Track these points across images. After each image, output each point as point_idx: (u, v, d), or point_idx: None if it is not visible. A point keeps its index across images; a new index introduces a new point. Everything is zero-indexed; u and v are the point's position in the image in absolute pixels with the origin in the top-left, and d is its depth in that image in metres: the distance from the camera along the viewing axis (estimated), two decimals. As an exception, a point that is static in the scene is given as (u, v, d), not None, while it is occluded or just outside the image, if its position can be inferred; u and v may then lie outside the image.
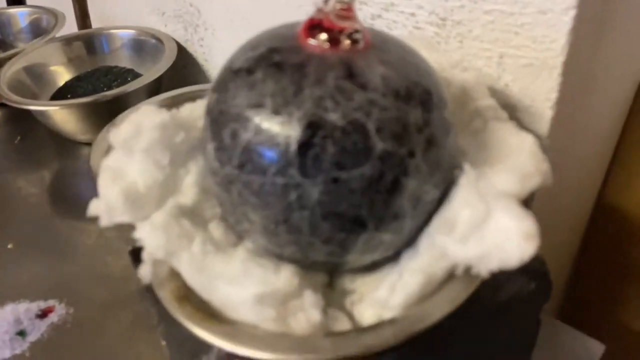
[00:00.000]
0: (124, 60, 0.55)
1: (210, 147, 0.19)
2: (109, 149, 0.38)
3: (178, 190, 0.24)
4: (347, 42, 0.19)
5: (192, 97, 0.41)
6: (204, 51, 0.51)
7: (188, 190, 0.24)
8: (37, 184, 0.47)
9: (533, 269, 0.23)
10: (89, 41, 0.54)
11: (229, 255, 0.22)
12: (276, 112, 0.17)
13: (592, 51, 0.28)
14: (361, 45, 0.19)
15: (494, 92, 0.27)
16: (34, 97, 0.51)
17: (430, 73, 0.20)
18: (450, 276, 0.19)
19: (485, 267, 0.18)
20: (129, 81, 0.53)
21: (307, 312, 0.19)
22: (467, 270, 0.19)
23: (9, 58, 0.51)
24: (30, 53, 0.52)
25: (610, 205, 0.43)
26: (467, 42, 0.30)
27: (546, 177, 0.19)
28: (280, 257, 0.21)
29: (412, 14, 0.31)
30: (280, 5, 0.40)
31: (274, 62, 0.18)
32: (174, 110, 0.25)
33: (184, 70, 0.53)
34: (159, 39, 0.52)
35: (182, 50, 0.52)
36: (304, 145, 0.17)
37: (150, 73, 0.47)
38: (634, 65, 0.36)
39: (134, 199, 0.22)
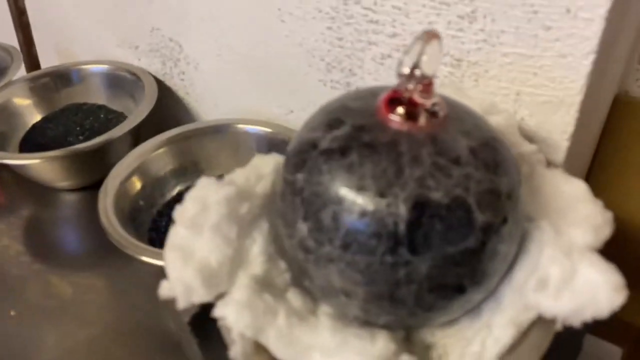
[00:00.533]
0: (95, 97, 0.52)
1: (303, 227, 0.20)
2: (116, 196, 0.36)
3: (246, 260, 0.23)
4: (426, 116, 0.20)
5: (188, 136, 0.40)
6: (185, 84, 0.49)
7: (256, 259, 0.23)
8: (18, 235, 0.45)
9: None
10: (58, 78, 0.51)
11: (313, 324, 0.22)
12: (381, 194, 0.18)
13: (600, 84, 0.31)
14: (441, 117, 0.20)
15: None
16: (5, 141, 0.48)
17: (497, 134, 0.21)
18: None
19: (579, 318, 0.19)
20: (102, 118, 0.51)
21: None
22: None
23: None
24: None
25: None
26: (482, 81, 0.31)
27: (611, 225, 0.21)
28: (369, 324, 0.21)
29: (426, 55, 0.32)
30: (271, 37, 0.40)
31: (364, 142, 0.19)
32: (229, 180, 0.24)
33: (161, 103, 0.51)
34: (134, 74, 0.50)
35: (159, 84, 0.50)
36: (413, 225, 0.18)
37: (135, 115, 0.45)
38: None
39: (209, 276, 0.22)
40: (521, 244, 0.21)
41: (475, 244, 0.18)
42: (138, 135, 0.45)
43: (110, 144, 0.44)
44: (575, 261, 0.19)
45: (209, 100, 0.49)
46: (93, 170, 0.46)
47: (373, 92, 0.21)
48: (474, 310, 0.22)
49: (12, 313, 0.37)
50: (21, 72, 0.54)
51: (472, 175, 0.18)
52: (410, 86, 0.19)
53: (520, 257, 0.21)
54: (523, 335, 0.21)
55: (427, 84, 0.19)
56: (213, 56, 0.45)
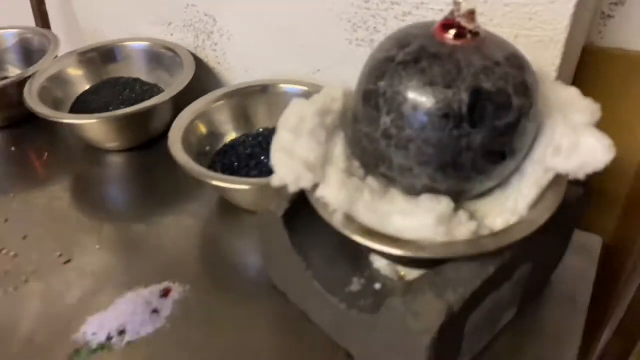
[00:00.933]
0: (135, 71, 0.58)
1: (387, 119, 0.27)
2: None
3: (332, 159, 0.31)
4: (470, 35, 0.27)
5: (240, 94, 0.47)
6: (217, 55, 0.56)
7: (339, 158, 0.31)
8: (71, 190, 0.50)
9: (581, 180, 0.33)
10: (104, 53, 0.57)
11: (390, 198, 0.30)
12: (448, 87, 0.26)
13: (577, 27, 0.39)
14: (482, 37, 0.28)
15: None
16: (59, 106, 0.53)
17: (518, 50, 0.29)
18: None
19: (583, 173, 0.27)
20: (138, 90, 0.57)
21: (466, 225, 0.28)
22: (555, 181, 0.29)
23: (30, 76, 0.53)
24: (49, 69, 0.54)
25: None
26: (488, 28, 0.39)
27: (600, 112, 0.29)
28: (432, 191, 0.29)
29: (441, 10, 0.40)
30: (302, 4, 0.47)
31: (432, 53, 0.27)
32: (312, 101, 0.32)
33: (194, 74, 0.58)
34: (170, 49, 0.56)
35: (197, 59, 0.56)
36: (472, 107, 0.26)
37: (177, 84, 0.51)
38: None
39: (311, 168, 0.29)
40: (538, 128, 0.29)
41: (513, 119, 0.26)
42: (177, 104, 0.51)
43: (155, 109, 0.50)
44: (579, 134, 0.28)
45: (240, 67, 0.55)
46: (138, 133, 0.53)
47: (426, 24, 0.29)
48: (505, 183, 0.30)
49: (63, 259, 0.43)
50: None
51: (509, 73, 0.26)
52: (459, 14, 0.27)
53: (538, 138, 0.29)
54: (543, 194, 0.29)
55: (470, 13, 0.27)
56: (246, 26, 0.52)
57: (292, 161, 0.29)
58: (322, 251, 0.34)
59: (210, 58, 0.57)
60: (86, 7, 0.62)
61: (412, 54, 0.27)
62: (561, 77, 0.40)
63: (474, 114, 0.26)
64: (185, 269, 0.41)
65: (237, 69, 0.56)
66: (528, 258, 0.31)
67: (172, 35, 0.57)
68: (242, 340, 0.36)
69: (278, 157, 0.30)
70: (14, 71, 0.62)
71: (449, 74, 0.26)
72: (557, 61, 0.38)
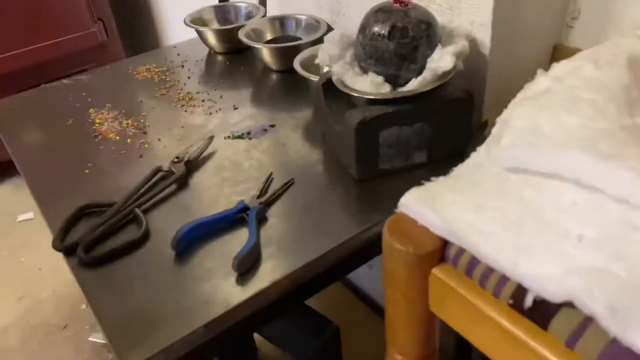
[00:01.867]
0: (295, 32, 1.02)
1: (361, 37, 0.64)
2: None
3: (344, 57, 0.68)
4: (403, 5, 0.63)
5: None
6: (341, 26, 0.96)
7: (347, 57, 0.68)
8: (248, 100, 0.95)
9: (465, 90, 0.65)
10: (281, 20, 1.02)
11: (363, 76, 0.66)
12: (383, 22, 0.62)
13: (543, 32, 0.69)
14: (412, 7, 0.63)
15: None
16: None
17: (431, 16, 0.63)
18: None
19: (441, 70, 0.61)
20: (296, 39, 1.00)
21: (385, 87, 0.63)
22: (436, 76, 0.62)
23: (239, 28, 0.99)
24: (252, 23, 1.00)
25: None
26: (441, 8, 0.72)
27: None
28: (377, 73, 0.64)
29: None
30: None
31: (384, 9, 0.63)
32: (341, 33, 0.70)
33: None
34: (317, 20, 0.98)
35: (328, 25, 0.98)
36: (390, 32, 0.61)
37: (314, 35, 0.93)
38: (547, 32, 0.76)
39: (332, 59, 0.68)
40: (432, 50, 0.63)
41: (410, 41, 0.61)
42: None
43: (299, 46, 0.92)
44: (445, 53, 0.61)
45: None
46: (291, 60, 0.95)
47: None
48: (414, 76, 0.64)
49: (235, 107, 0.87)
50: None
51: (413, 22, 0.61)
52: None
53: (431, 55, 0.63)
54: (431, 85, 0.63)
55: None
56: (358, 9, 0.91)
57: (324, 54, 0.68)
58: (335, 106, 0.71)
59: (336, 26, 0.97)
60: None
61: (376, 9, 0.63)
62: (527, 63, 0.70)
63: (390, 35, 0.61)
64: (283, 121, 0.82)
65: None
66: (423, 118, 0.64)
67: (320, 13, 0.99)
68: (301, 146, 0.75)
69: (321, 52, 0.69)
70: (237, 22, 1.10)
71: (387, 18, 0.62)
72: (488, 41, 0.69)
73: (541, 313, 0.35)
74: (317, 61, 0.69)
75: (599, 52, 0.46)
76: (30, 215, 1.93)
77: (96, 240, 0.61)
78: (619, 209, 0.34)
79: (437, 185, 0.43)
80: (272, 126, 0.81)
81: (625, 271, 0.32)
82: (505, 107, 0.73)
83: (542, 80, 0.48)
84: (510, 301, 0.36)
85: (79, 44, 1.97)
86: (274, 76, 0.96)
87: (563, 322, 0.34)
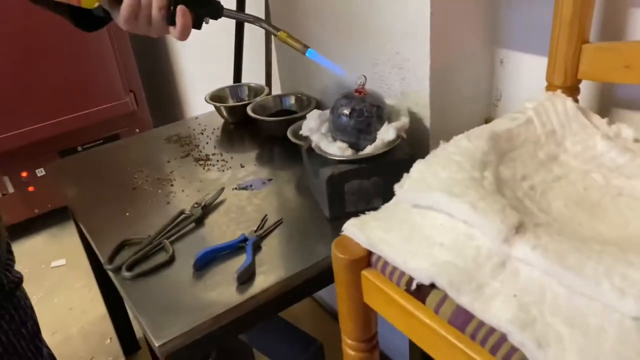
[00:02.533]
0: (291, 107, 1.27)
1: (330, 116, 0.88)
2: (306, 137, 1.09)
3: (320, 129, 0.93)
4: (362, 94, 0.87)
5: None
6: (326, 102, 1.22)
7: (323, 128, 0.93)
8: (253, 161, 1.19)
9: (408, 154, 0.88)
10: (281, 98, 1.28)
11: (333, 143, 0.90)
12: (346, 105, 0.86)
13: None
14: (368, 94, 0.87)
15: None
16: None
17: (381, 100, 0.88)
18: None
19: (387, 140, 0.84)
20: (292, 112, 1.26)
21: (347, 151, 0.87)
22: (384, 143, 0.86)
23: (248, 104, 1.25)
24: (260, 99, 1.26)
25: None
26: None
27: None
28: (342, 141, 0.88)
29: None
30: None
31: (348, 96, 0.88)
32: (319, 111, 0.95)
33: (316, 107, 1.24)
34: (308, 98, 1.24)
35: (318, 101, 1.23)
36: (350, 112, 0.85)
37: (306, 110, 1.18)
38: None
39: (312, 130, 0.92)
40: (384, 123, 0.87)
41: (365, 118, 0.85)
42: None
43: (293, 119, 1.17)
44: (389, 128, 0.85)
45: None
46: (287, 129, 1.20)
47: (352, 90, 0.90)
48: (370, 144, 0.88)
49: (241, 166, 1.11)
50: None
51: (367, 105, 0.86)
52: (361, 87, 0.88)
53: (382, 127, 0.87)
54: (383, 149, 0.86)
55: (362, 86, 0.87)
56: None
57: (306, 127, 0.92)
58: (315, 164, 0.95)
59: (323, 102, 1.23)
60: (289, 71, 1.34)
61: (342, 96, 0.88)
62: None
63: (350, 115, 0.86)
64: (279, 175, 1.06)
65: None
66: (377, 173, 0.87)
67: (311, 92, 1.25)
68: (291, 195, 0.99)
69: (304, 125, 0.93)
70: (247, 99, 1.37)
71: (349, 102, 0.86)
72: (427, 116, 0.93)
73: (422, 293, 0.57)
74: (301, 132, 0.94)
75: (476, 131, 0.70)
76: (62, 261, 2.17)
77: (135, 262, 0.84)
78: (464, 226, 0.56)
79: (367, 217, 0.66)
80: (270, 180, 1.04)
81: (463, 263, 0.54)
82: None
83: (439, 148, 0.71)
84: (405, 287, 0.58)
85: (113, 112, 2.28)
86: (274, 141, 1.21)
87: (433, 298, 0.55)
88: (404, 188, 0.63)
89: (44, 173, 2.25)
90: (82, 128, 2.23)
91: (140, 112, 2.38)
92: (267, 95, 1.30)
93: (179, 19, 0.74)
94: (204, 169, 1.12)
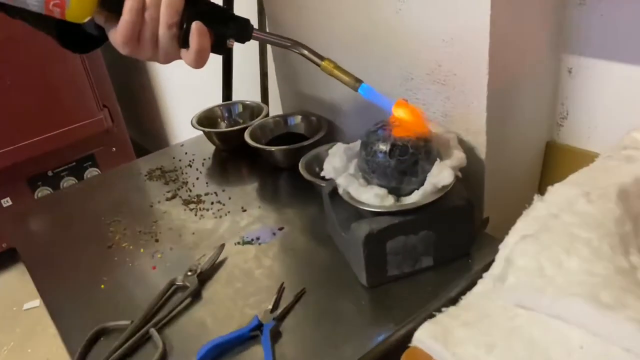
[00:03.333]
0: (298, 129, 1.06)
1: (363, 152, 0.68)
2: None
3: (348, 169, 0.72)
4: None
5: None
6: (340, 124, 1.01)
7: (351, 169, 0.72)
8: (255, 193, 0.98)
9: (465, 197, 0.68)
10: (284, 119, 1.07)
11: (366, 187, 0.69)
12: (383, 141, 0.65)
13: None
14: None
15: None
16: (258, 143, 1.03)
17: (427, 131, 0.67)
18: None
19: (441, 184, 0.64)
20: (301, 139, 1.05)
21: (389, 200, 0.66)
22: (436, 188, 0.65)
23: (245, 129, 1.04)
24: (258, 121, 1.05)
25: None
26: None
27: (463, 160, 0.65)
28: (380, 186, 0.67)
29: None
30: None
31: (381, 127, 0.67)
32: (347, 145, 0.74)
33: (329, 131, 1.03)
34: (317, 118, 1.03)
35: (330, 123, 1.02)
36: (391, 151, 0.65)
37: (318, 135, 0.97)
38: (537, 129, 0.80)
39: (337, 171, 0.71)
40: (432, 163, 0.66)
41: (409, 157, 0.65)
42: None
43: (303, 147, 0.96)
44: (442, 168, 0.64)
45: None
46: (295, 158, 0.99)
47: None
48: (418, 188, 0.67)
49: (243, 209, 0.90)
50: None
51: (413, 140, 0.65)
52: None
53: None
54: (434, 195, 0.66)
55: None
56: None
57: (329, 166, 0.71)
58: (342, 213, 0.74)
59: (336, 124, 1.02)
60: (287, 94, 1.13)
61: (376, 128, 0.67)
62: (522, 160, 0.74)
63: (391, 153, 0.65)
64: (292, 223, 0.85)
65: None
66: (427, 227, 0.67)
67: (321, 112, 1.04)
68: (310, 250, 0.78)
69: (326, 165, 0.72)
70: (243, 123, 1.15)
71: (387, 135, 0.66)
72: (483, 148, 0.73)
73: None
74: (322, 174, 0.73)
75: (589, 181, 0.49)
76: (36, 303, 1.93)
77: (114, 364, 0.62)
78: (625, 356, 0.36)
79: (447, 318, 0.45)
80: (281, 229, 0.83)
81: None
82: (505, 203, 0.76)
83: (539, 207, 0.51)
84: None
85: (86, 130, 2.04)
86: (279, 173, 1.00)
87: None
88: (508, 283, 0.42)
89: (10, 203, 2.01)
90: (52, 151, 1.99)
91: (116, 129, 2.15)
92: (266, 115, 1.09)
93: (193, 40, 0.58)
94: (195, 215, 0.90)
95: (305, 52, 0.65)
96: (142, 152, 1.21)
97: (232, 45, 0.62)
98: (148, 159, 1.12)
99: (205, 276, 0.75)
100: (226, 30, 0.60)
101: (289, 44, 0.65)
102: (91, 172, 2.16)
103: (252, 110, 1.14)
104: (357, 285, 0.70)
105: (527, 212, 0.51)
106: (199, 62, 0.60)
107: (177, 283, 0.73)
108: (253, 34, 0.63)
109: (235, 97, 1.28)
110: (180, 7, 0.57)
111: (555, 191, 0.52)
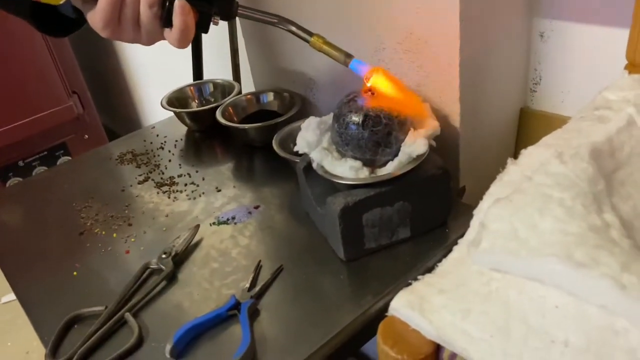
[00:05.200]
0: (271, 106, 1.04)
1: (335, 125, 0.66)
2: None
3: (321, 142, 0.70)
4: (372, 92, 0.65)
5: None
6: (314, 100, 0.99)
7: (324, 142, 0.70)
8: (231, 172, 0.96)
9: (441, 166, 0.67)
10: (257, 96, 1.04)
11: (341, 160, 0.68)
12: (356, 112, 0.64)
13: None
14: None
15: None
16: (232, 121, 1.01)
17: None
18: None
19: (415, 154, 0.63)
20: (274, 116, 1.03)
21: (364, 172, 0.65)
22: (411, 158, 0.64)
23: (216, 108, 1.01)
24: (230, 100, 1.03)
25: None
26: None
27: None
28: (354, 158, 0.66)
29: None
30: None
31: (353, 98, 0.65)
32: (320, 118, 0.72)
33: (302, 107, 1.01)
34: (291, 95, 1.01)
35: (304, 99, 1.00)
36: (364, 122, 0.63)
37: (291, 111, 0.95)
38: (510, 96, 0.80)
39: (310, 145, 0.70)
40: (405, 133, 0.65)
41: (382, 128, 0.63)
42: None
43: (277, 123, 0.94)
44: (417, 137, 0.63)
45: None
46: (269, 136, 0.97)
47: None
48: (393, 158, 0.66)
49: (217, 189, 0.88)
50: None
51: (382, 113, 0.64)
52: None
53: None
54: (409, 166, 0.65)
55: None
56: (329, 85, 0.94)
57: (302, 141, 0.70)
58: (317, 188, 0.73)
59: (311, 100, 1.00)
60: (259, 71, 1.11)
61: (348, 99, 0.66)
62: (497, 127, 0.73)
63: (364, 124, 0.64)
64: (267, 199, 0.83)
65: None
66: (403, 197, 0.66)
67: (294, 88, 1.02)
68: (286, 227, 0.77)
69: (299, 140, 0.71)
70: (214, 102, 1.12)
71: (359, 106, 0.64)
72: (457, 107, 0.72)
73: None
74: (295, 149, 0.71)
75: (562, 142, 0.49)
76: (13, 296, 1.89)
77: (90, 351, 0.61)
78: (599, 313, 0.36)
79: (423, 286, 0.45)
80: (257, 207, 0.82)
81: (611, 377, 0.33)
82: (480, 172, 0.76)
83: (512, 170, 0.50)
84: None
85: (55, 118, 1.98)
86: (254, 151, 0.98)
87: None
88: (482, 247, 0.42)
89: (-19, 196, 1.95)
90: (21, 140, 1.93)
91: (87, 115, 2.09)
92: (238, 93, 1.07)
93: (177, 19, 0.55)
94: (169, 197, 0.88)
95: (293, 28, 0.64)
96: (115, 137, 1.18)
97: (217, 22, 0.60)
98: (118, 143, 1.09)
99: (180, 258, 0.73)
100: (211, 7, 0.58)
101: (275, 21, 0.64)
102: (64, 161, 2.11)
103: (223, 89, 1.12)
104: (335, 259, 0.69)
105: (501, 176, 0.51)
106: (183, 41, 0.58)
107: (151, 266, 0.72)
108: (239, 11, 0.61)
109: (207, 75, 1.25)
110: None
111: (529, 154, 0.51)
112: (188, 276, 0.70)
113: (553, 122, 0.79)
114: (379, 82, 0.62)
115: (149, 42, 0.58)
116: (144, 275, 0.71)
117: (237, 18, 0.70)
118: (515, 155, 0.84)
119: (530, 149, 0.52)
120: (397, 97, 0.63)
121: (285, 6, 0.89)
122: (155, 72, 1.99)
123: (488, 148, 0.81)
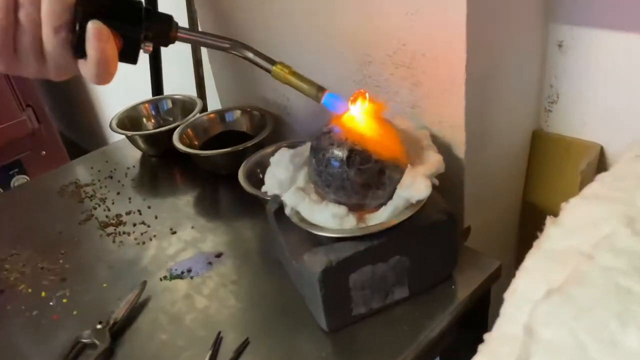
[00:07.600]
0: (238, 126, 0.90)
1: (313, 161, 0.52)
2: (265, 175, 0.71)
3: (295, 181, 0.56)
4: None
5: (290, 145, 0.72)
6: (289, 119, 0.85)
7: (299, 181, 0.56)
8: (192, 201, 0.81)
9: (445, 210, 0.54)
10: (221, 115, 0.90)
11: (321, 204, 0.54)
12: (338, 145, 0.50)
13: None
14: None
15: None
16: (192, 147, 0.86)
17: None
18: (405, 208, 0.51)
19: (415, 199, 0.49)
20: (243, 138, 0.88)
21: (351, 221, 0.51)
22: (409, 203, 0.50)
23: (176, 127, 0.86)
24: (190, 120, 0.88)
25: (533, 202, 0.72)
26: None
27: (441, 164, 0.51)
28: (338, 203, 0.52)
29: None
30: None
31: (334, 128, 0.51)
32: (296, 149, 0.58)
33: (275, 128, 0.87)
34: (262, 113, 0.87)
35: (277, 118, 0.86)
36: (349, 158, 0.50)
37: (262, 133, 0.81)
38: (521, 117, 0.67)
39: (281, 185, 0.55)
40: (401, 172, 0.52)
41: (373, 165, 0.49)
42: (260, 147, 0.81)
43: (245, 149, 0.80)
44: (416, 178, 0.50)
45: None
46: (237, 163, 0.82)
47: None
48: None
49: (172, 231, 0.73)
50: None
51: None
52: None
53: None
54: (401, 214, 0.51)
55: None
56: (304, 105, 0.80)
57: (272, 180, 0.56)
58: (293, 236, 0.59)
59: (285, 119, 0.86)
60: (224, 85, 0.96)
61: (328, 129, 0.52)
62: (506, 154, 0.60)
63: (349, 161, 0.50)
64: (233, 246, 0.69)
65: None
66: (399, 251, 0.52)
67: (266, 106, 0.88)
68: (255, 282, 0.62)
69: (268, 178, 0.56)
70: (173, 121, 0.97)
71: (343, 139, 0.50)
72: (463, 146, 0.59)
73: None
74: (264, 188, 0.57)
75: (622, 196, 0.35)
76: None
77: None
78: None
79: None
80: (218, 256, 0.67)
81: None
82: (488, 208, 0.62)
83: (554, 235, 0.37)
84: None
85: (8, 134, 1.80)
86: (219, 181, 0.84)
87: None
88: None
89: None
90: (-28, 159, 1.75)
91: (44, 130, 1.92)
92: (201, 111, 0.92)
93: (91, 47, 0.42)
94: (114, 241, 0.73)
95: (250, 55, 0.51)
96: (79, 153, 1.03)
97: (150, 50, 0.46)
98: (61, 172, 0.93)
99: (120, 327, 0.58)
100: (138, 31, 0.44)
101: (227, 46, 0.51)
102: (19, 180, 1.92)
103: (184, 106, 0.97)
104: (315, 328, 0.55)
105: (539, 242, 0.37)
106: (102, 75, 0.43)
107: (83, 340, 0.57)
108: (178, 34, 0.48)
109: (169, 89, 1.10)
110: (70, 0, 0.40)
111: (573, 210, 0.38)
112: (129, 352, 0.56)
113: (571, 148, 0.66)
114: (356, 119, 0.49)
115: (58, 76, 0.43)
116: (74, 352, 0.56)
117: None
118: (527, 187, 0.72)
119: (574, 201, 0.39)
120: (376, 139, 0.50)
121: (256, 11, 0.74)
122: (116, 81, 1.83)
123: (496, 179, 0.67)
